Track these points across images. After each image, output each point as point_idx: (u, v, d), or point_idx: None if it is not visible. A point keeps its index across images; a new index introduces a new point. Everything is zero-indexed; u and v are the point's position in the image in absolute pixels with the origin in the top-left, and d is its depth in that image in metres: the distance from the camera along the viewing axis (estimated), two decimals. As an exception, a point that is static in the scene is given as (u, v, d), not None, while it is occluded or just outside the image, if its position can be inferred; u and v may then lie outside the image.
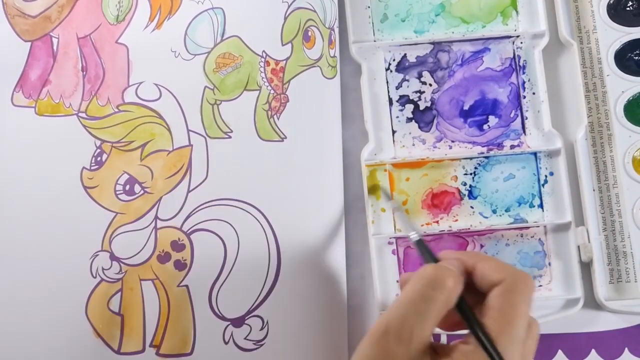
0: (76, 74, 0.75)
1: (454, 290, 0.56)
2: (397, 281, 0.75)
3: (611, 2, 0.78)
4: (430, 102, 0.78)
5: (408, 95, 0.78)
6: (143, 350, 0.72)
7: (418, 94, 0.78)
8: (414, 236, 0.64)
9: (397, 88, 0.78)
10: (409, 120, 0.78)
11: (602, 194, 0.76)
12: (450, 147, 0.78)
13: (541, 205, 0.77)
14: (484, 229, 0.76)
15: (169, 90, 0.75)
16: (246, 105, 0.76)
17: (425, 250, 0.63)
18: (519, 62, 0.78)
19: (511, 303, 0.56)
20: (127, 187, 0.74)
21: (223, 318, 0.72)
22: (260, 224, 0.74)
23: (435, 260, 0.61)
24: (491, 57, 0.79)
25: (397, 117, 0.78)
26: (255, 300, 0.72)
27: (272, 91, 0.76)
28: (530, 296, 0.58)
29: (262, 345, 0.72)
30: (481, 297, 0.58)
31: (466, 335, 0.57)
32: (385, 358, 0.54)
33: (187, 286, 0.73)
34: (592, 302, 0.75)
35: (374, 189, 0.76)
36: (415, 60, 0.79)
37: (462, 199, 0.77)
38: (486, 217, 0.77)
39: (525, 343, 0.57)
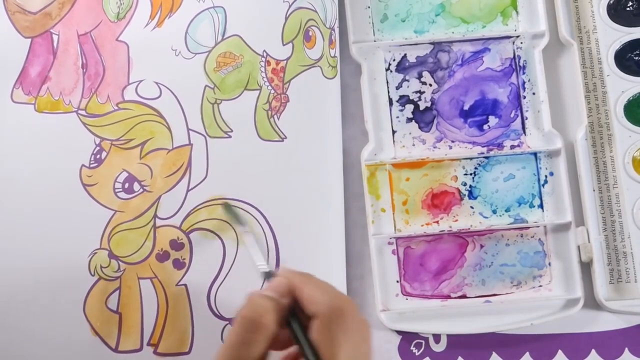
0: (76, 71, 0.74)
1: (270, 325, 0.55)
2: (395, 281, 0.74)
3: (611, 2, 0.77)
4: (430, 102, 0.76)
5: (408, 96, 0.77)
6: (141, 349, 0.70)
7: (418, 94, 0.77)
8: (262, 268, 0.64)
9: (397, 88, 0.77)
10: (409, 120, 0.76)
11: (602, 194, 0.74)
12: (450, 147, 0.76)
13: (541, 206, 0.75)
14: (484, 229, 0.74)
15: (169, 89, 0.74)
16: (246, 104, 0.74)
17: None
18: (519, 62, 0.77)
19: (329, 340, 0.55)
20: (126, 185, 0.72)
21: (221, 317, 0.71)
22: (259, 223, 0.72)
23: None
24: (491, 57, 0.77)
25: (397, 117, 0.76)
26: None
27: (272, 91, 0.74)
28: (352, 323, 0.56)
29: (260, 345, 0.70)
30: None
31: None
32: None
33: (185, 285, 0.71)
34: (592, 302, 0.74)
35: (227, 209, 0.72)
36: (415, 61, 0.77)
37: (462, 199, 0.75)
38: (486, 217, 0.75)
39: None
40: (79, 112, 0.73)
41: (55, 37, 0.74)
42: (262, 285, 0.64)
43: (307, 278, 0.59)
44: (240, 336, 0.55)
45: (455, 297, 0.74)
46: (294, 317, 0.57)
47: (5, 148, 0.72)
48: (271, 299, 0.57)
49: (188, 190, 0.72)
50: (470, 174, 0.75)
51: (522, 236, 0.75)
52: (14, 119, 0.73)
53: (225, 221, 0.72)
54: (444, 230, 0.74)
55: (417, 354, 0.73)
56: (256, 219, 0.72)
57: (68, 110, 0.73)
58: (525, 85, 0.76)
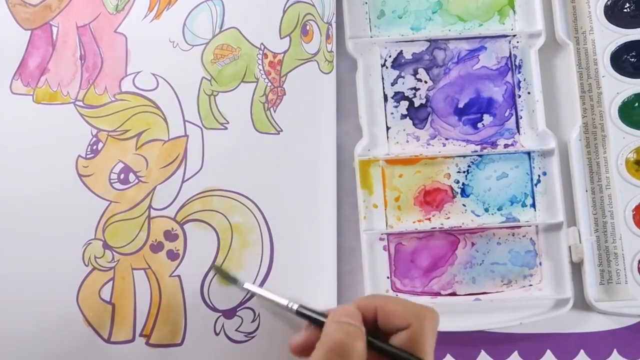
0: (75, 62, 0.73)
1: (363, 351, 0.56)
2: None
3: (608, 3, 0.76)
4: (425, 99, 0.76)
5: (403, 92, 0.76)
6: (133, 340, 0.70)
7: (413, 91, 0.76)
8: (292, 306, 0.64)
9: (392, 84, 0.76)
10: (403, 116, 0.76)
11: (594, 195, 0.74)
12: (444, 145, 0.75)
13: (533, 205, 0.74)
14: (475, 227, 0.74)
15: (166, 80, 0.73)
16: (243, 97, 0.73)
17: (310, 315, 0.63)
18: (514, 61, 0.76)
19: (421, 347, 0.56)
20: (122, 176, 0.72)
21: (214, 309, 0.70)
22: (254, 215, 0.72)
23: (324, 316, 0.61)
24: (487, 55, 0.76)
25: (392, 113, 0.76)
26: (248, 292, 0.70)
27: (269, 84, 0.74)
28: (436, 330, 0.58)
29: (253, 337, 0.70)
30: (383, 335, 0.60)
31: None
32: None
33: (179, 276, 0.70)
34: (581, 303, 0.73)
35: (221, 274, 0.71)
36: (411, 57, 0.76)
37: (454, 196, 0.75)
38: (478, 216, 0.74)
39: None
40: (77, 103, 0.73)
41: (54, 29, 0.74)
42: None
43: (378, 298, 0.61)
44: None
45: (445, 295, 0.73)
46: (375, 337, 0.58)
47: (3, 139, 0.72)
48: (356, 326, 0.57)
49: (183, 182, 0.72)
50: (464, 172, 0.75)
51: (513, 235, 0.74)
52: (12, 110, 0.72)
53: (218, 212, 0.71)
54: (435, 228, 0.74)
55: (405, 350, 0.74)
56: (251, 211, 0.72)
57: (66, 102, 0.73)
58: (521, 85, 0.76)
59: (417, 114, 0.76)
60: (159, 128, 0.73)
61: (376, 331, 0.59)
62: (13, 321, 0.69)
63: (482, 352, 0.73)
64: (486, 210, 0.75)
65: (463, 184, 0.75)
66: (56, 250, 0.70)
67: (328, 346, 0.55)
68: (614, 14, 0.76)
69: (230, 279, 0.69)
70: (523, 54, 0.76)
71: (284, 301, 0.65)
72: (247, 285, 0.68)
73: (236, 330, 0.70)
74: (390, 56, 0.76)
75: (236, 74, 0.74)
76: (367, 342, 0.57)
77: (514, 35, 0.76)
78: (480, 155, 0.75)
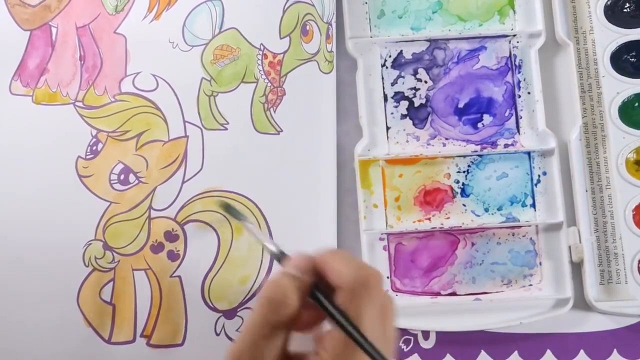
0: (74, 63, 0.73)
1: (293, 304, 0.53)
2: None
3: (608, 3, 0.76)
4: (425, 99, 0.75)
5: (403, 92, 0.76)
6: (134, 340, 0.70)
7: (413, 91, 0.76)
8: (273, 248, 0.60)
9: (392, 84, 0.76)
10: (403, 116, 0.75)
11: (594, 194, 0.73)
12: (444, 145, 0.75)
13: (533, 205, 0.74)
14: (475, 227, 0.73)
15: (166, 81, 0.73)
16: (243, 97, 0.73)
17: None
18: (514, 61, 0.76)
19: (353, 310, 0.53)
20: (122, 177, 0.72)
21: (215, 309, 0.70)
22: (254, 215, 0.71)
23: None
24: (487, 55, 0.76)
25: (392, 113, 0.75)
26: (248, 293, 0.70)
27: (269, 84, 0.73)
28: (376, 295, 0.54)
29: (253, 337, 0.70)
30: None
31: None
32: None
33: (179, 277, 0.70)
34: (581, 303, 0.73)
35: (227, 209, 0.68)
36: (411, 57, 0.76)
37: (454, 196, 0.74)
38: (478, 216, 0.74)
39: (381, 336, 0.53)
40: (76, 103, 0.72)
41: (54, 30, 0.73)
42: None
43: (334, 253, 0.57)
44: (263, 317, 0.53)
45: (445, 295, 0.73)
46: (318, 290, 0.55)
47: (3, 139, 0.72)
48: (294, 277, 0.55)
49: (183, 182, 0.72)
50: (464, 172, 0.74)
51: (513, 235, 0.74)
52: (11, 110, 0.72)
53: (219, 212, 0.71)
54: (435, 228, 0.73)
55: (405, 350, 0.73)
56: (251, 211, 0.72)
57: (65, 102, 0.72)
58: (521, 85, 0.75)
59: (417, 114, 0.75)
60: (159, 129, 0.72)
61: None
62: (14, 322, 0.69)
63: (482, 352, 0.73)
64: (486, 210, 0.74)
65: (463, 183, 0.74)
66: (56, 251, 0.70)
67: (258, 301, 0.54)
68: (614, 14, 0.76)
69: (237, 215, 0.66)
70: (523, 54, 0.76)
71: (269, 243, 0.60)
72: (250, 227, 0.64)
73: (237, 330, 0.70)
74: (390, 56, 0.76)
75: (236, 75, 0.73)
76: (313, 296, 0.55)
77: (514, 35, 0.76)
78: (480, 155, 0.75)
